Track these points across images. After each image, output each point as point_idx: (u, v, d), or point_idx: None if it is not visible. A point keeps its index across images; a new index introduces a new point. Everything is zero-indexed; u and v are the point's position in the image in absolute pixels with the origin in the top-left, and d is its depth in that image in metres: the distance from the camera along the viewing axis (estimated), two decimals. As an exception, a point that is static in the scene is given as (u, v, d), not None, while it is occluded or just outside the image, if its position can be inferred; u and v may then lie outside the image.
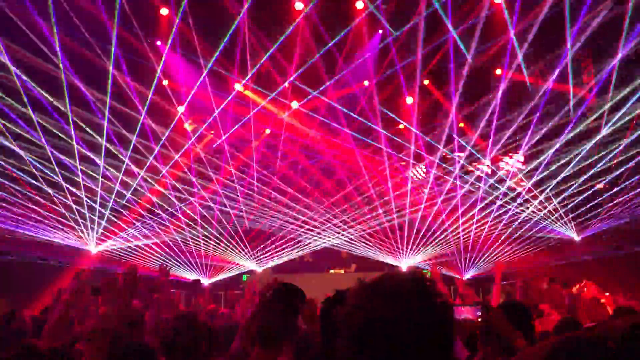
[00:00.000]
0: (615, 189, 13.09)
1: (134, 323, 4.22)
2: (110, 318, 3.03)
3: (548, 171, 13.11)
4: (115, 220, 13.44)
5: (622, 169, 12.45)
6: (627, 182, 12.63)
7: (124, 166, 12.27)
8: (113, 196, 12.69)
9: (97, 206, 12.61)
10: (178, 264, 14.87)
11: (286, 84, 12.22)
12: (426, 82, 13.29)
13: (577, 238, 14.76)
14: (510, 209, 14.26)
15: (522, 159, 14.03)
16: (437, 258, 15.49)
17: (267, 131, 14.48)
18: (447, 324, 1.26)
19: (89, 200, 12.39)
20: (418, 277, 1.31)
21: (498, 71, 12.60)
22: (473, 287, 10.02)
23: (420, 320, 1.22)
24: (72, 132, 11.03)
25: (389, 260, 16.12)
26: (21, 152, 10.71)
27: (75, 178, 11.88)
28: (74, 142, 11.20)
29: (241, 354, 3.75)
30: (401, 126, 13.84)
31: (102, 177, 12.20)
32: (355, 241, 15.79)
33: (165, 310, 5.01)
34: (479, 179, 14.28)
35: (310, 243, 15.83)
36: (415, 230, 15.41)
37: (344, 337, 1.27)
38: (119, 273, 3.23)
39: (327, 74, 12.12)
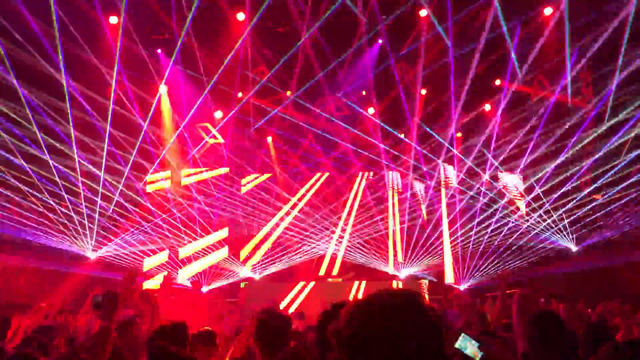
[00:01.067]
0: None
1: (124, 326, 4.26)
2: (108, 331, 3.06)
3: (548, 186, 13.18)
4: (112, 226, 13.43)
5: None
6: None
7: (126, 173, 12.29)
8: (112, 205, 12.71)
9: (96, 212, 12.61)
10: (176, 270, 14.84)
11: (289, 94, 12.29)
12: (423, 91, 13.36)
13: (574, 249, 14.81)
14: (509, 221, 14.33)
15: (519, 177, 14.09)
16: (434, 268, 15.52)
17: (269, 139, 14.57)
18: (439, 340, 1.27)
19: (87, 207, 12.40)
20: (411, 294, 1.32)
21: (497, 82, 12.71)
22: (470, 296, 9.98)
23: (412, 335, 1.23)
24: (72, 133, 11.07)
25: (387, 269, 16.13)
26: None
27: (75, 189, 11.90)
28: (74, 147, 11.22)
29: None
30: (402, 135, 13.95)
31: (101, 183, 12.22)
32: (353, 249, 15.81)
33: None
34: (478, 192, 14.34)
35: (308, 250, 15.83)
36: (414, 240, 15.44)
37: (337, 352, 1.29)
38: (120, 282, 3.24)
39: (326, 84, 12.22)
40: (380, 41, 12.49)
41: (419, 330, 1.24)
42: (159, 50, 12.42)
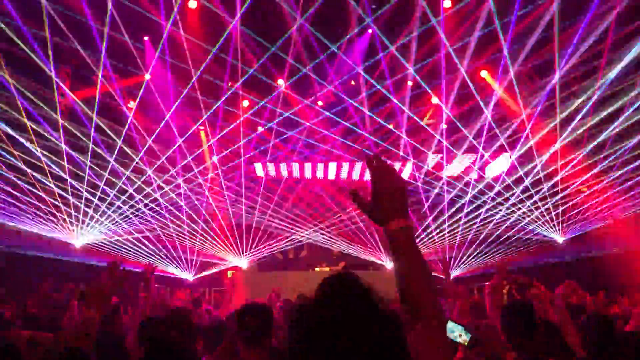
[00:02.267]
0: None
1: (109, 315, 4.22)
2: (93, 321, 3.01)
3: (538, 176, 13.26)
4: (97, 215, 13.30)
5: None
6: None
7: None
8: (98, 192, 12.58)
9: (82, 200, 12.48)
10: (162, 259, 14.77)
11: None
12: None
13: (560, 240, 15.00)
14: (497, 211, 14.44)
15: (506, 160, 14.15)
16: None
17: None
18: (390, 330, 1.16)
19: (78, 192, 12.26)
20: (352, 280, 1.24)
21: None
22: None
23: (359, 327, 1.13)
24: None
25: (375, 259, 16.24)
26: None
27: (63, 175, 11.76)
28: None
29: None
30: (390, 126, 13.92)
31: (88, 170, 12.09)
32: (338, 238, 15.88)
33: (151, 309, 4.98)
34: (467, 184, 14.41)
35: (296, 238, 15.88)
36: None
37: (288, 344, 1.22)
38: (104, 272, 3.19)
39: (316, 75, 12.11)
40: (370, 31, 12.40)
41: (360, 324, 1.14)
42: (145, 38, 12.20)
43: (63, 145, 11.19)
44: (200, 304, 8.67)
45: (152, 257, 14.34)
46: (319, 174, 15.78)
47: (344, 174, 15.79)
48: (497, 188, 13.79)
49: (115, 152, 12.00)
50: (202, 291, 12.42)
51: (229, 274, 15.83)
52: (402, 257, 1.40)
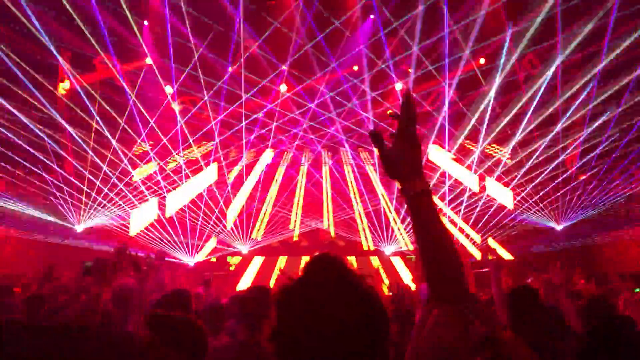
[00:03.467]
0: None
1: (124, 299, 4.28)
2: (99, 298, 3.10)
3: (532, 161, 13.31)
4: (99, 196, 13.33)
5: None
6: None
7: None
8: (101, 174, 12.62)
9: (84, 182, 12.52)
10: (164, 242, 14.82)
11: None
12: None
13: (558, 227, 15.05)
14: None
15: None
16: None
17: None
18: (369, 311, 1.18)
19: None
20: (334, 260, 1.24)
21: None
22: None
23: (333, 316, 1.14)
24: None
25: (372, 246, 16.33)
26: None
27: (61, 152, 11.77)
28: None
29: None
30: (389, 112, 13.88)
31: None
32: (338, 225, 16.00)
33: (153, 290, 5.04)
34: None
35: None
36: (401, 217, 15.58)
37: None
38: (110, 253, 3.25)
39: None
40: (372, 16, 12.36)
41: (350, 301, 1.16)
42: (145, 22, 12.18)
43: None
44: (210, 285, 8.82)
45: (153, 240, 14.41)
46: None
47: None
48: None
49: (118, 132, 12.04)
50: (211, 274, 12.49)
51: (229, 258, 15.95)
52: (426, 228, 1.27)
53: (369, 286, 1.22)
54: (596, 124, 11.75)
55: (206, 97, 12.47)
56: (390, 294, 5.87)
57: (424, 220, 1.28)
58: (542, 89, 11.49)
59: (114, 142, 12.17)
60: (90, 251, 12.25)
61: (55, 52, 10.17)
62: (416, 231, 1.29)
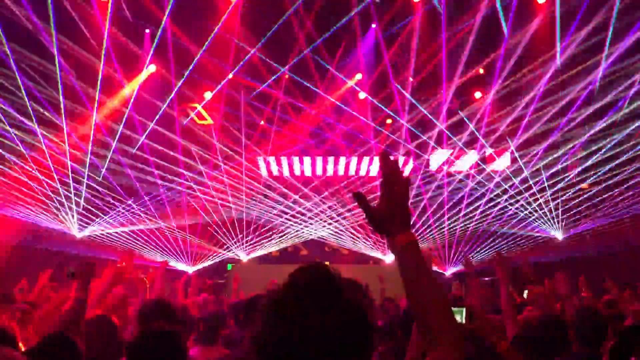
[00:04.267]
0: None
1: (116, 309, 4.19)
2: (83, 303, 2.99)
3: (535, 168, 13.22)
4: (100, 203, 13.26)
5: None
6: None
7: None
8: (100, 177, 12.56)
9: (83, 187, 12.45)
10: (163, 251, 14.76)
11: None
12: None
13: (560, 237, 14.89)
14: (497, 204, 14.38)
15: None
16: (423, 252, 15.53)
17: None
18: (353, 322, 1.19)
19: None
20: (322, 269, 1.25)
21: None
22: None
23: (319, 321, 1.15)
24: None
25: (375, 254, 16.25)
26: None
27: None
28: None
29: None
30: (389, 121, 13.98)
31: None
32: (342, 233, 15.85)
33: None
34: (467, 175, 14.37)
35: (298, 233, 15.86)
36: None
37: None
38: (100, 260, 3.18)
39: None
40: (373, 25, 12.41)
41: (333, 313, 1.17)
42: (147, 30, 12.19)
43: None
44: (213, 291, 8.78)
45: (151, 249, 14.36)
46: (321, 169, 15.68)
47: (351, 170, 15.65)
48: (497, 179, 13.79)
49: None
50: (214, 281, 12.36)
51: (229, 266, 15.85)
52: (414, 279, 1.33)
53: (356, 295, 1.23)
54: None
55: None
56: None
57: (410, 274, 1.33)
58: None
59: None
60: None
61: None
62: (405, 284, 1.35)
